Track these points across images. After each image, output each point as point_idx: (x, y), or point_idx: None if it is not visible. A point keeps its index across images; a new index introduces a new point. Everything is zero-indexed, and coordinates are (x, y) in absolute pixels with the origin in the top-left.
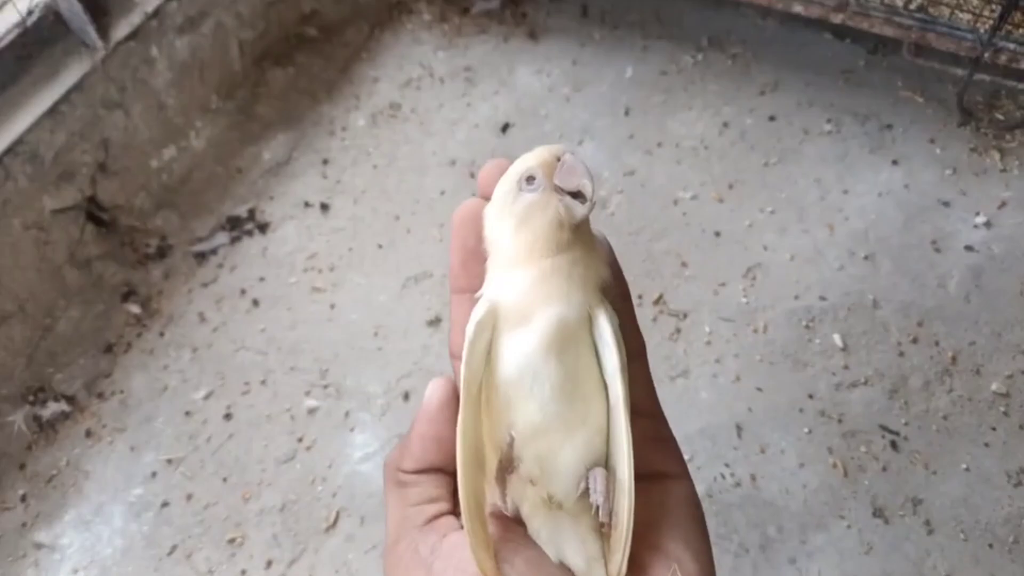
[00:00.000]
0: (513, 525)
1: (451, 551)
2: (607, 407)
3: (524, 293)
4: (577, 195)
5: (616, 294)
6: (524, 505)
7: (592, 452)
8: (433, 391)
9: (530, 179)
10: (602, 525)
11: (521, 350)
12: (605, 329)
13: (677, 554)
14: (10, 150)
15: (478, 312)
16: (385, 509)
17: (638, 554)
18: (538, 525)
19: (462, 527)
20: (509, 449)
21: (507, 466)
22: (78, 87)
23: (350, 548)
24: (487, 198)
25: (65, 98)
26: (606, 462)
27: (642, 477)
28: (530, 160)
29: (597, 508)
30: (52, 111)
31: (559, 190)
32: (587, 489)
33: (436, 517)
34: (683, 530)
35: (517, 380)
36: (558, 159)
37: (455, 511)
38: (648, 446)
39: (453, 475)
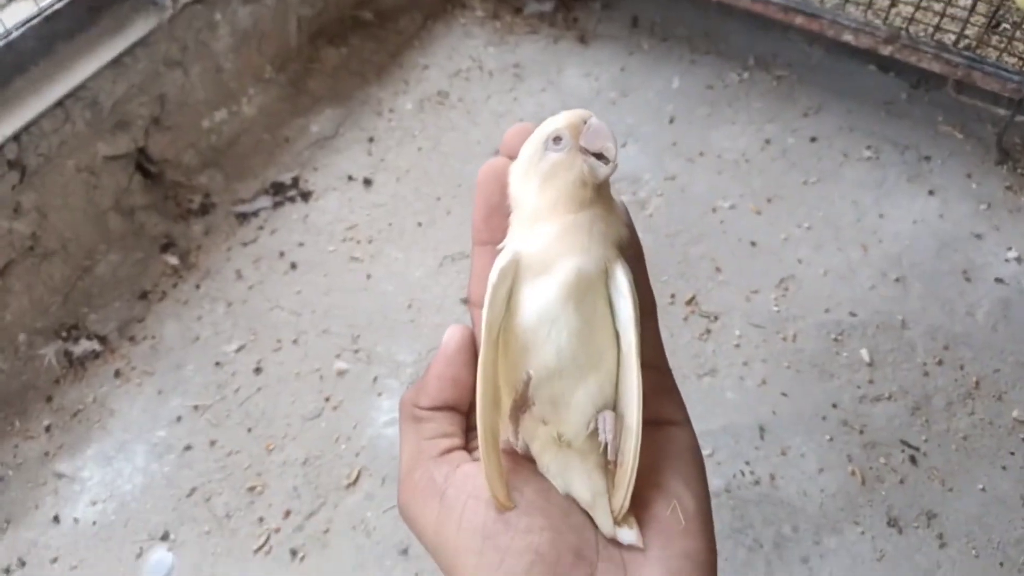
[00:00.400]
0: (523, 460)
1: (464, 479)
2: (619, 355)
3: (547, 245)
4: (600, 157)
5: (631, 254)
6: (535, 443)
7: (603, 396)
8: (451, 335)
9: (557, 139)
10: (608, 463)
11: (542, 297)
12: (621, 281)
13: (677, 492)
14: (72, 94)
15: (502, 260)
16: (400, 444)
17: (640, 491)
18: (548, 461)
19: (475, 460)
20: (524, 389)
21: (521, 405)
22: (143, 42)
23: (369, 506)
24: (511, 157)
25: (130, 51)
26: (614, 406)
27: (647, 423)
28: (558, 122)
29: (605, 447)
30: (116, 62)
31: (584, 151)
32: (596, 430)
33: (450, 450)
34: (683, 472)
35: (536, 325)
36: (584, 122)
37: (467, 447)
38: (654, 395)
39: (466, 414)
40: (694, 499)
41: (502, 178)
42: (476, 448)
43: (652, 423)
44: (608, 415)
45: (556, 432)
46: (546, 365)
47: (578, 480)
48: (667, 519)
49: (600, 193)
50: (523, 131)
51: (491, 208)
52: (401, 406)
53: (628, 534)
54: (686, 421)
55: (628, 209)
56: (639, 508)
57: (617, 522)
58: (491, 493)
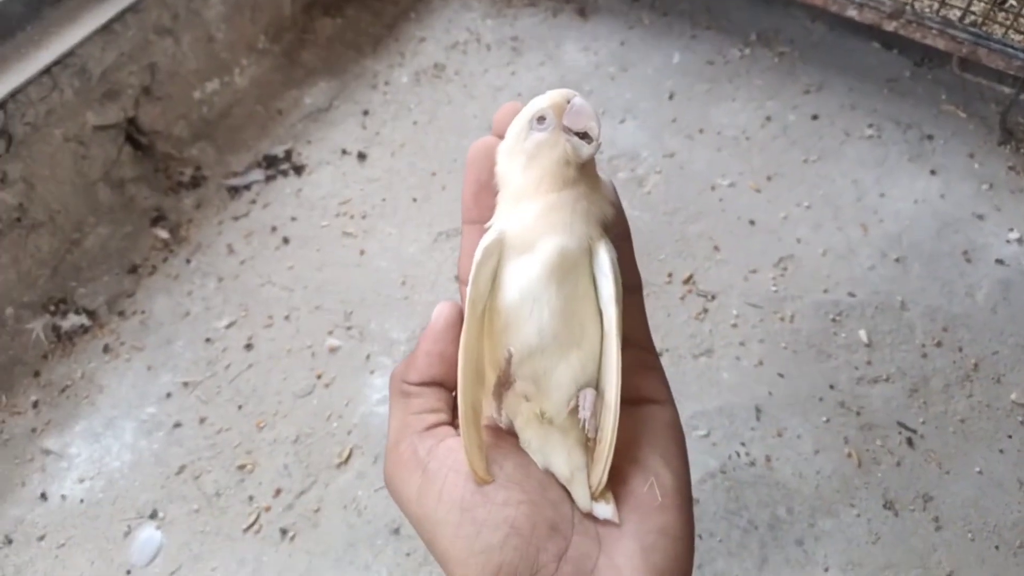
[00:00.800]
0: (505, 435)
1: (447, 453)
2: (602, 335)
3: (530, 223)
4: (584, 136)
5: (617, 232)
6: (518, 419)
7: (584, 374)
8: (440, 312)
9: (541, 119)
10: (588, 440)
11: (524, 275)
12: (604, 260)
13: (656, 469)
14: (60, 61)
15: (487, 239)
16: (389, 418)
17: (619, 467)
18: (529, 436)
19: (459, 435)
20: (507, 366)
21: (504, 382)
22: (133, 8)
23: (360, 485)
24: (501, 137)
25: (119, 17)
26: (597, 385)
27: (629, 400)
28: (542, 101)
29: (584, 424)
30: (105, 28)
31: (567, 130)
32: (577, 407)
33: (435, 425)
34: (662, 449)
35: (519, 303)
36: (568, 102)
37: (452, 423)
38: (637, 373)
39: (453, 390)
40: (672, 476)
41: (491, 157)
42: None
43: (633, 401)
44: (588, 392)
45: (538, 409)
46: (528, 343)
47: (558, 456)
48: (644, 495)
49: (584, 172)
50: (512, 110)
51: (480, 186)
52: (391, 380)
53: (604, 509)
54: (668, 399)
55: (616, 187)
56: (617, 484)
57: (594, 497)
58: (470, 466)
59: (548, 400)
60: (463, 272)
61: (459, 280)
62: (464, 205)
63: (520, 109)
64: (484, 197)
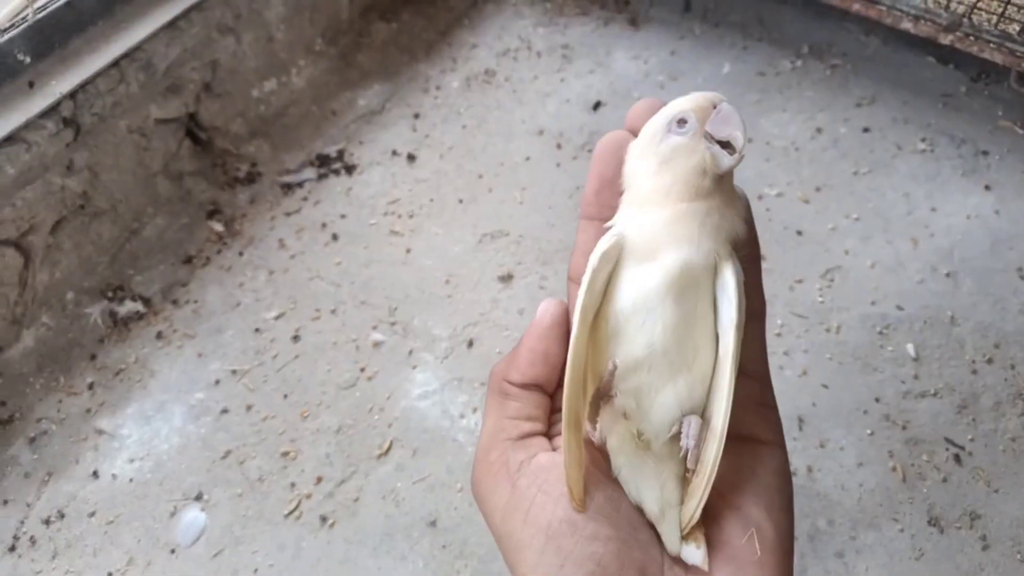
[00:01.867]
0: (598, 460)
1: (538, 471)
2: (715, 359)
3: (654, 231)
4: (727, 146)
5: (747, 253)
6: (612, 438)
7: (692, 399)
8: (546, 309)
9: (682, 122)
10: (686, 472)
11: (641, 285)
12: (729, 281)
13: (757, 518)
14: (128, 55)
15: (605, 242)
16: (484, 415)
17: (717, 511)
18: (622, 462)
19: (552, 450)
20: (610, 377)
21: (604, 394)
22: (198, 6)
23: (399, 477)
24: (633, 133)
25: (185, 15)
26: (703, 414)
27: (737, 438)
28: (685, 103)
29: (684, 454)
30: (171, 25)
31: (709, 137)
32: (678, 433)
33: (530, 435)
34: (767, 497)
35: (631, 313)
36: (714, 106)
37: (547, 433)
38: (750, 408)
39: (552, 397)
40: (775, 529)
41: (620, 153)
42: (556, 436)
43: (740, 438)
44: (694, 420)
45: (636, 429)
46: (634, 356)
47: (650, 488)
48: (742, 546)
49: (721, 184)
50: (651, 106)
51: (603, 183)
52: (491, 377)
53: (694, 553)
54: (779, 443)
55: (750, 204)
56: (713, 531)
57: (684, 535)
58: (567, 483)
59: (647, 421)
60: (573, 268)
61: (569, 278)
62: (584, 200)
63: (659, 106)
64: (606, 195)
